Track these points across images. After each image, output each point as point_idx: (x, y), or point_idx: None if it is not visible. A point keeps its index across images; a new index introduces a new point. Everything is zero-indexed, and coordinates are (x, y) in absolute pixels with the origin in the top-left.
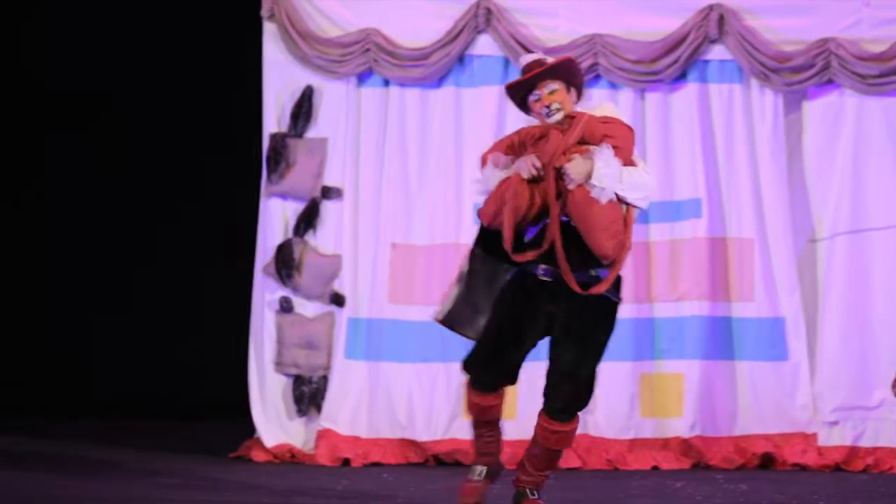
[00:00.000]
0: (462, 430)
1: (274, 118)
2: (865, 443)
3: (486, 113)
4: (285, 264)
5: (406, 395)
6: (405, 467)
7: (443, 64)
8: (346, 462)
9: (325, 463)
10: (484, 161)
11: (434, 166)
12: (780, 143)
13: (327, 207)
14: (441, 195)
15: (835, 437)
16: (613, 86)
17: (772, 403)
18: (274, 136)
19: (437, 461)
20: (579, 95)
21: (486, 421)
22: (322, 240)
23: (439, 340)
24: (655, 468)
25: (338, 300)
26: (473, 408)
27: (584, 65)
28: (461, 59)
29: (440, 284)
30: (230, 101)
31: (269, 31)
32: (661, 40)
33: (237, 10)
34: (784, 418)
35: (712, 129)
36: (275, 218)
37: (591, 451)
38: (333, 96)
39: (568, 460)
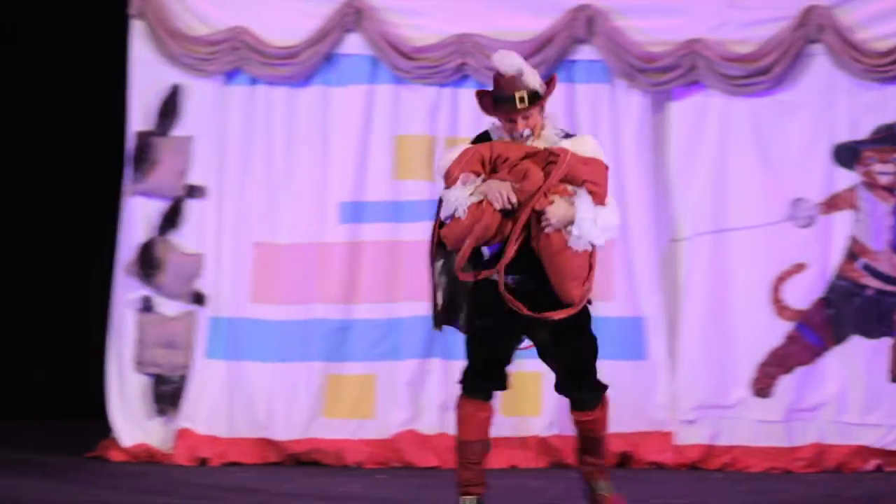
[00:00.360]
0: (322, 430)
1: (139, 116)
2: (722, 441)
3: (353, 112)
4: (147, 263)
5: (266, 394)
6: (264, 467)
7: (311, 63)
8: (205, 462)
9: (183, 462)
10: (449, 176)
11: (300, 165)
12: (646, 142)
13: (191, 206)
14: (306, 194)
15: (692, 436)
16: (482, 86)
17: (630, 402)
18: (139, 135)
19: (296, 461)
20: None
21: (480, 440)
22: (185, 238)
23: (300, 340)
24: (514, 467)
25: (199, 299)
26: (469, 422)
27: (452, 64)
28: (329, 58)
29: (303, 283)
30: (96, 100)
31: (137, 28)
32: (529, 40)
33: (104, 9)
34: (642, 417)
35: (579, 129)
36: (138, 216)
37: (450, 450)
38: (200, 95)
39: (426, 459)
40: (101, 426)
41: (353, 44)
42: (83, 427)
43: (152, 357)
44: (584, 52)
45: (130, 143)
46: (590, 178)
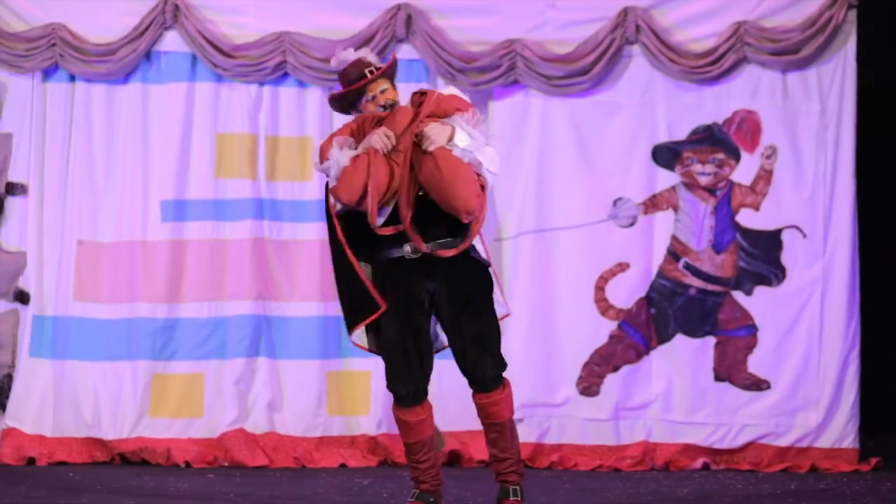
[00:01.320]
0: (149, 429)
1: None
2: (550, 440)
3: (173, 109)
4: None
5: (92, 393)
6: (91, 466)
7: (129, 60)
8: (32, 461)
9: (10, 462)
10: (323, 151)
11: (120, 163)
12: None
13: (12, 203)
14: (127, 192)
15: (520, 434)
16: (302, 84)
17: (457, 401)
18: None
19: (124, 460)
20: None
21: (420, 442)
22: (6, 236)
23: (125, 339)
24: (343, 465)
25: (22, 297)
26: (405, 428)
27: (272, 63)
28: (148, 55)
29: (126, 282)
30: None
31: None
32: (348, 39)
33: None
34: (469, 415)
35: None
36: None
37: (278, 448)
38: (18, 91)
39: (255, 458)
40: None
41: (172, 41)
42: None
43: None
44: (405, 51)
45: None
46: (460, 107)
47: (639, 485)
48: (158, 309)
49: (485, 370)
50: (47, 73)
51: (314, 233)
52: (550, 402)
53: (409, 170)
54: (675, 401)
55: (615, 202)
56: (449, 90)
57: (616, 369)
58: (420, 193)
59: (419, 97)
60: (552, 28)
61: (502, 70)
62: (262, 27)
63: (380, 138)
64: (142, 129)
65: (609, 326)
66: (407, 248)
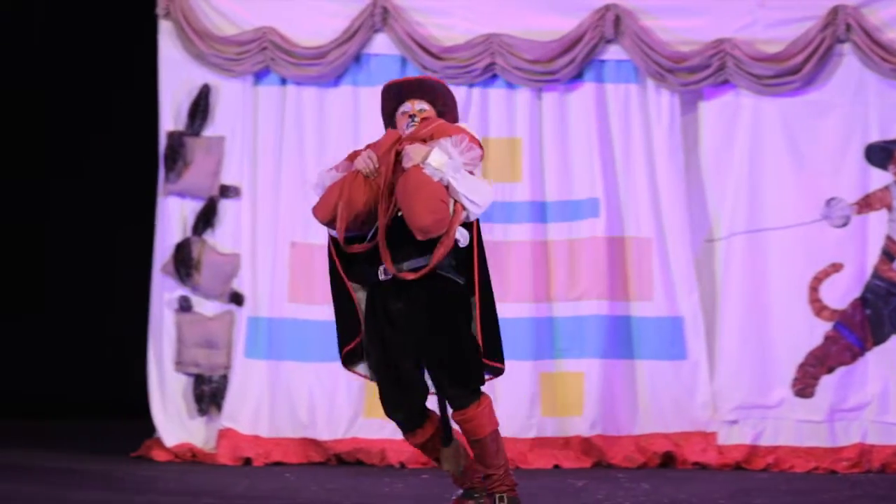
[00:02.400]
0: (364, 429)
1: (170, 116)
2: (765, 441)
3: None
4: (184, 263)
5: (307, 394)
6: (307, 466)
7: (339, 63)
8: (248, 461)
9: (226, 462)
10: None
11: (331, 165)
12: (677, 142)
13: (225, 206)
14: None
15: (734, 436)
16: (511, 86)
17: (671, 402)
18: (171, 135)
19: (339, 460)
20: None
21: (437, 459)
22: (220, 238)
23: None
24: (557, 467)
25: (237, 299)
26: (417, 450)
27: (481, 64)
28: (358, 58)
29: None
30: (127, 99)
31: (165, 28)
32: (557, 40)
33: (132, 8)
34: (684, 417)
35: (609, 129)
36: (173, 217)
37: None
38: (230, 95)
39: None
40: (145, 426)
41: (382, 44)
42: (127, 427)
43: (192, 357)
44: (613, 52)
45: (163, 144)
46: (456, 135)
47: (855, 487)
48: None
49: (450, 395)
50: (259, 77)
51: (525, 234)
52: (765, 404)
53: (390, 191)
54: (892, 402)
55: (828, 202)
56: (460, 124)
57: (831, 370)
58: (399, 214)
59: (422, 121)
60: (761, 27)
61: (712, 70)
62: (470, 29)
63: (363, 160)
64: (352, 131)
65: (824, 327)
66: (381, 270)
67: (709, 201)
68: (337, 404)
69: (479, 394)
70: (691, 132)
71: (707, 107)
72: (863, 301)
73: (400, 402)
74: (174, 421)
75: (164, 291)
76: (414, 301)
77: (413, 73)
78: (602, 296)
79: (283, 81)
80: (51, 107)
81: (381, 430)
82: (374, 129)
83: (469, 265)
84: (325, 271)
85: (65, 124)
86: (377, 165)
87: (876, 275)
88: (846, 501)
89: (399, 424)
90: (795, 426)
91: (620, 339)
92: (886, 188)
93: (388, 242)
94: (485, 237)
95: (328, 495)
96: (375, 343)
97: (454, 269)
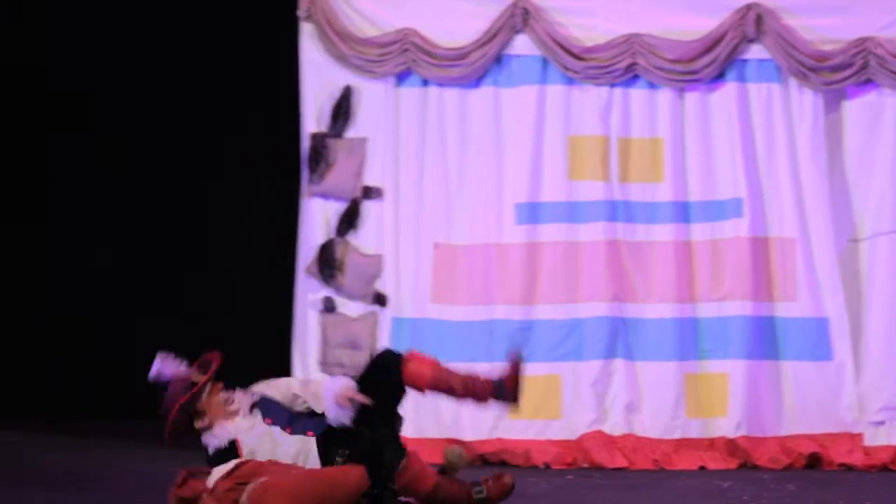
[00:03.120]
0: (508, 430)
1: (313, 118)
2: None
3: (525, 113)
4: (327, 264)
5: None
6: None
7: (481, 64)
8: None
9: None
10: None
11: (474, 166)
12: (820, 142)
13: (368, 207)
14: (481, 195)
15: (881, 437)
16: (652, 86)
17: (817, 403)
18: (314, 136)
19: (484, 461)
20: None
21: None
22: (363, 240)
23: (482, 341)
24: (702, 468)
25: (380, 300)
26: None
27: (623, 64)
28: (499, 59)
29: (482, 284)
30: (269, 102)
31: (307, 31)
32: (698, 39)
33: (273, 10)
34: (830, 418)
35: (752, 129)
36: (316, 218)
37: (637, 451)
38: (372, 96)
39: (614, 460)
40: None
41: (523, 44)
42: None
43: (336, 357)
44: (755, 52)
45: (305, 145)
46: None
47: None
48: (514, 311)
49: None
50: (400, 78)
51: (668, 234)
52: None
53: None
54: None
55: None
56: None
57: None
58: None
59: None
60: None
61: (855, 69)
62: (611, 29)
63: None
64: (494, 132)
65: None
66: None
67: (853, 201)
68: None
69: None
70: (835, 132)
71: (850, 106)
72: None
73: None
74: None
75: (308, 292)
76: None
77: (554, 74)
78: (746, 296)
79: (425, 83)
80: (192, 109)
81: (526, 430)
82: (515, 130)
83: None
84: (468, 272)
85: (206, 126)
86: None
87: None
88: None
89: None
90: None
91: (765, 339)
92: None
93: None
94: (627, 238)
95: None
96: None
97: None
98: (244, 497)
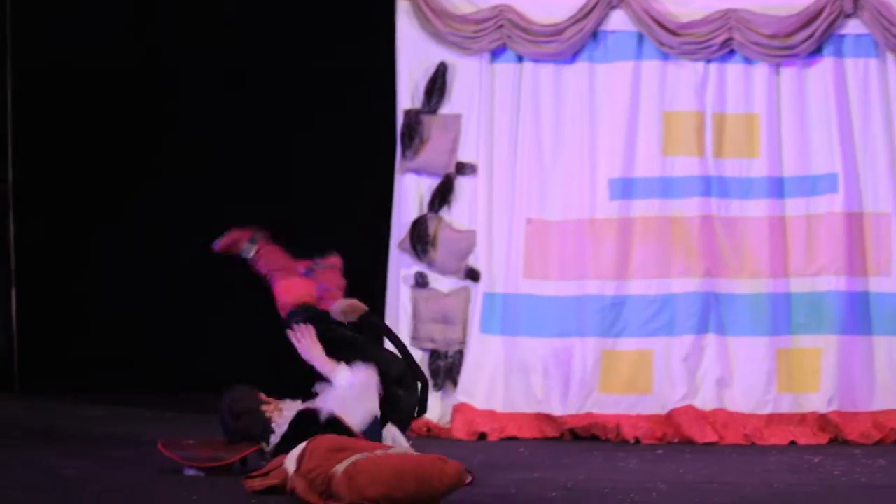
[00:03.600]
0: (599, 404)
1: (408, 94)
2: None
3: (620, 88)
4: (420, 240)
5: (541, 369)
6: (541, 441)
7: (576, 40)
8: (483, 436)
9: (461, 437)
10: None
11: (568, 142)
12: None
13: (461, 183)
14: (575, 170)
15: None
16: (748, 61)
17: None
18: (408, 113)
19: (573, 435)
20: None
21: None
22: (456, 215)
23: (574, 316)
24: (793, 443)
25: (473, 275)
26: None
27: (719, 40)
28: (594, 34)
29: (574, 259)
30: (364, 79)
31: (403, 7)
32: (795, 15)
33: None
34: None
35: (848, 104)
36: (409, 194)
37: (728, 425)
38: (467, 72)
39: (705, 435)
40: None
41: (618, 20)
42: None
43: (428, 332)
44: (852, 26)
45: (400, 122)
46: None
47: None
48: (607, 286)
49: None
50: (495, 54)
51: (762, 210)
52: None
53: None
54: None
55: None
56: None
57: None
58: None
59: None
60: None
61: None
62: (708, 4)
63: None
64: (588, 108)
65: None
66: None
67: None
68: (572, 379)
69: None
70: None
71: None
72: None
73: None
74: None
75: (400, 268)
76: None
77: (650, 50)
78: (840, 272)
79: (520, 59)
80: (288, 87)
81: (616, 405)
82: (609, 106)
83: None
84: (561, 247)
85: (301, 104)
86: None
87: None
88: None
89: None
90: None
91: (858, 315)
92: None
93: None
94: (721, 213)
95: (563, 470)
96: None
97: None
98: (340, 475)
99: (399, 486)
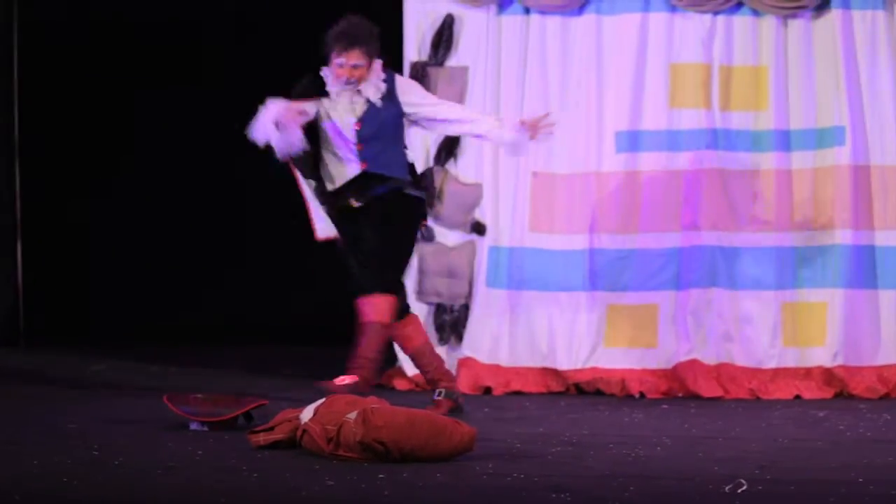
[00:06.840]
0: (604, 359)
1: (415, 47)
2: None
3: (627, 41)
4: (426, 193)
5: (547, 323)
6: (546, 396)
7: None
8: (488, 390)
9: (466, 391)
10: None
11: (574, 95)
12: None
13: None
14: (582, 124)
15: None
16: (756, 13)
17: None
18: (415, 65)
19: (578, 390)
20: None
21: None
22: (463, 169)
23: (580, 270)
24: (798, 397)
25: (479, 229)
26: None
27: None
28: None
29: (581, 213)
30: None
31: None
32: None
33: None
34: None
35: (855, 57)
36: (415, 147)
37: (733, 380)
38: (474, 24)
39: (710, 389)
40: (389, 356)
41: None
42: None
43: (433, 286)
44: None
45: (406, 74)
46: None
47: None
48: (613, 240)
49: (370, 279)
50: (502, 6)
51: (769, 162)
52: None
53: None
54: None
55: None
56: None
57: None
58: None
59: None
60: None
61: None
62: None
63: None
64: (595, 60)
65: None
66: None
67: None
68: (577, 333)
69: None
70: None
71: None
72: None
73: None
74: None
75: None
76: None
77: (657, 1)
78: (846, 225)
79: (527, 10)
80: (291, 39)
81: (622, 359)
82: (616, 58)
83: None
84: (567, 200)
85: (306, 56)
86: None
87: None
88: None
89: None
90: None
91: (864, 268)
92: None
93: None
94: (727, 166)
95: (568, 425)
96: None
97: (413, 185)
98: (355, 417)
99: (411, 433)
